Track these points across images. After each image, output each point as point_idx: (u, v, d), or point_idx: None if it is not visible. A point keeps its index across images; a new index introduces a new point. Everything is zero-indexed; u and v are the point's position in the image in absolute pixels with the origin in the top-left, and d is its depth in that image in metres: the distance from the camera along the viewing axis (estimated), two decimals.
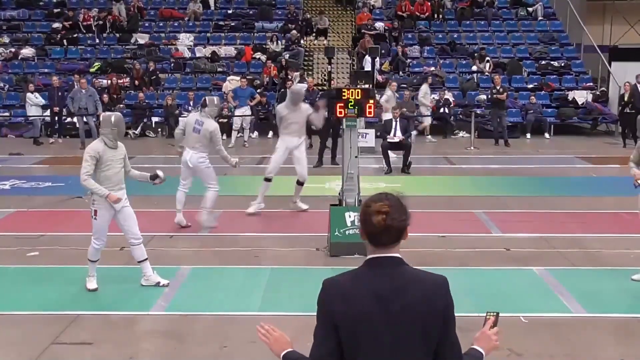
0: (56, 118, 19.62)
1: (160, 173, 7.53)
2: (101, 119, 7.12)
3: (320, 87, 20.97)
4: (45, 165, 15.56)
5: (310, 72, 23.40)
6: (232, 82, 21.32)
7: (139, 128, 20.70)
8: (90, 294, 6.99)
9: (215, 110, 9.81)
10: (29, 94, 19.79)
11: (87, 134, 18.18)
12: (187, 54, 23.93)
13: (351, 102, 8.30)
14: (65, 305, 6.66)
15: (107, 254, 8.28)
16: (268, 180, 10.63)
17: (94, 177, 6.84)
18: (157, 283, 7.14)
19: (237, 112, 19.29)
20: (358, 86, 8.53)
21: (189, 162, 9.47)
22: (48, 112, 19.76)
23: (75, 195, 11.13)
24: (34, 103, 19.73)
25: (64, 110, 19.40)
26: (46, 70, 23.10)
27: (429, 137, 19.76)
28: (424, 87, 17.89)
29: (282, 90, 20.53)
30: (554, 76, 22.91)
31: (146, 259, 7.18)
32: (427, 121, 20.09)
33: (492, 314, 2.87)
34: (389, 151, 14.34)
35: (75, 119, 19.17)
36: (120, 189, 7.03)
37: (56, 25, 24.90)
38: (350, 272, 2.68)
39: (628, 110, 18.43)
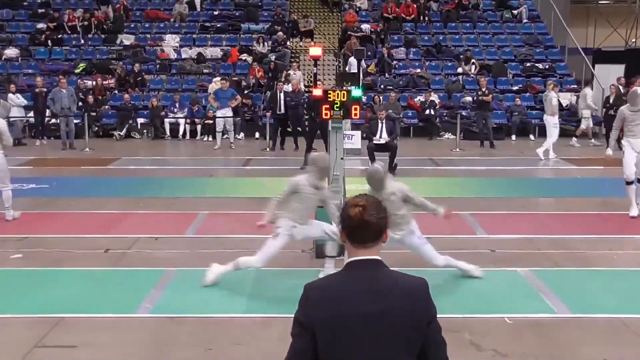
0: (39, 119, 19.47)
1: None
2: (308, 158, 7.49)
3: (306, 89, 20.96)
4: (29, 167, 15.43)
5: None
6: (217, 84, 21.28)
7: (125, 129, 20.62)
8: (75, 296, 6.93)
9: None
10: (10, 95, 19.60)
11: (67, 135, 18.16)
12: (173, 55, 23.89)
13: (337, 104, 8.32)
14: (48, 308, 6.59)
15: (91, 257, 8.25)
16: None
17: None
18: None
19: (219, 113, 19.16)
20: (344, 88, 8.54)
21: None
22: (32, 114, 19.62)
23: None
24: (16, 104, 19.54)
25: (47, 111, 19.27)
26: (30, 70, 22.96)
27: (593, 141, 19.41)
28: (589, 91, 16.79)
29: (268, 92, 20.52)
30: (539, 78, 23.08)
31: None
32: (589, 124, 19.72)
33: None
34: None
35: (58, 120, 19.04)
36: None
37: (40, 25, 24.77)
38: (331, 276, 2.71)
39: (612, 112, 18.55)
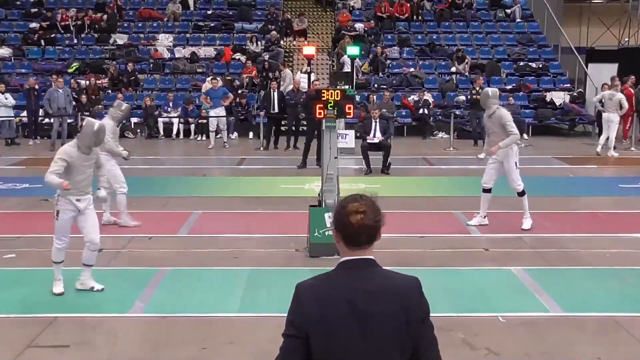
0: (32, 118, 19.37)
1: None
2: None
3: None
4: (22, 167, 15.38)
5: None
6: (210, 83, 21.22)
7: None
8: (68, 296, 6.91)
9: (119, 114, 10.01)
10: None
11: (58, 135, 18.05)
12: (166, 55, 23.81)
13: (331, 103, 8.33)
14: (41, 308, 6.58)
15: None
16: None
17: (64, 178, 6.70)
18: (92, 288, 7.03)
19: (212, 112, 19.06)
20: (337, 87, 8.55)
21: None
22: (25, 113, 19.51)
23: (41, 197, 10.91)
24: (3, 104, 19.33)
25: (41, 111, 19.17)
26: (23, 70, 22.86)
27: None
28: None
29: (262, 91, 20.50)
30: (532, 77, 23.11)
31: (91, 265, 7.04)
32: None
33: None
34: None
35: (52, 120, 18.93)
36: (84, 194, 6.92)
37: (33, 25, 24.65)
38: (323, 275, 2.66)
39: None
